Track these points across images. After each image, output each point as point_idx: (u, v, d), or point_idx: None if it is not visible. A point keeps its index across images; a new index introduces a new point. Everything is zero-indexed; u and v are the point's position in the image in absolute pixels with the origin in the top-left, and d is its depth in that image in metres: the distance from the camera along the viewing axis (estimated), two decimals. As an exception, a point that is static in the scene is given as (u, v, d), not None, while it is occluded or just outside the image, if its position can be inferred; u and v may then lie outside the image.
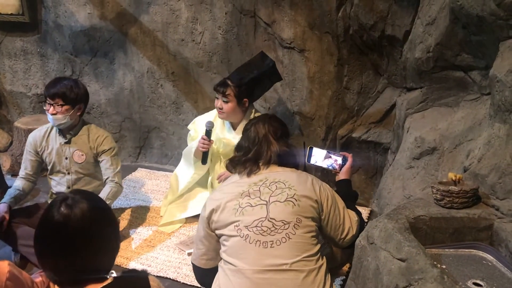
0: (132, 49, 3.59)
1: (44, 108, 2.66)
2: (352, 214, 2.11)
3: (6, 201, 2.57)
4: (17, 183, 2.72)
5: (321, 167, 2.44)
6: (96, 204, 1.38)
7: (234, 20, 3.25)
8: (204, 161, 2.87)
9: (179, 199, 3.04)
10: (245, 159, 2.11)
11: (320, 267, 1.88)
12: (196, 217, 2.94)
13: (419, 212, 1.74)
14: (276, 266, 1.83)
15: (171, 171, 3.29)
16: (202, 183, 3.11)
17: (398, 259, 1.52)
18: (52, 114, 2.61)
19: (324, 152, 2.44)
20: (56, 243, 1.31)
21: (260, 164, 2.09)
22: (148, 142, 3.88)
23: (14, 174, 3.54)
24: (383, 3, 2.81)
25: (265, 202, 1.94)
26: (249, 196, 1.96)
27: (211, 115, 3.00)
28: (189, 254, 2.65)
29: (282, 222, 1.89)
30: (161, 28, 3.46)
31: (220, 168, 2.99)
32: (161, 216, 3.05)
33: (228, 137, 2.94)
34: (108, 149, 2.76)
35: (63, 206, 1.30)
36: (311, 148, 2.45)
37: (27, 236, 2.44)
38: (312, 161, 2.44)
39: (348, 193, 2.30)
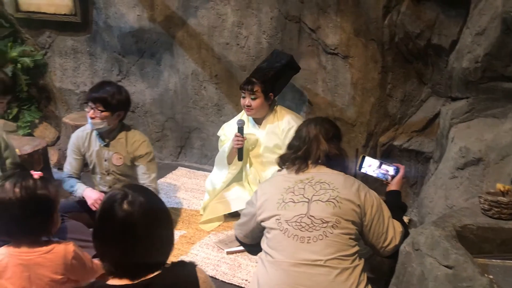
0: (178, 51, 3.69)
1: (85, 109, 2.72)
2: (397, 224, 2.12)
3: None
4: (71, 182, 2.79)
5: (372, 176, 2.45)
6: (153, 199, 1.45)
7: (279, 25, 3.30)
8: (240, 158, 3.02)
9: (218, 197, 3.11)
10: (294, 157, 2.18)
11: (355, 267, 1.91)
12: (235, 216, 3.02)
13: (466, 221, 1.74)
14: (311, 261, 1.88)
15: (210, 171, 3.35)
16: (237, 179, 3.19)
17: (445, 266, 1.53)
18: (91, 118, 2.66)
19: (376, 161, 2.45)
20: (117, 238, 1.36)
21: (309, 162, 2.14)
22: (189, 142, 3.97)
23: (61, 167, 3.68)
24: (431, 12, 2.81)
25: (307, 200, 2.01)
26: (293, 193, 2.03)
27: (239, 117, 3.14)
28: (228, 253, 2.71)
29: (321, 221, 1.94)
30: (207, 31, 3.54)
31: (249, 163, 3.12)
32: (201, 214, 3.12)
33: (253, 132, 3.09)
34: (144, 155, 2.80)
35: (125, 203, 1.35)
36: (363, 157, 2.47)
37: (75, 230, 2.53)
38: (363, 170, 2.46)
39: (397, 204, 2.30)
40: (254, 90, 2.94)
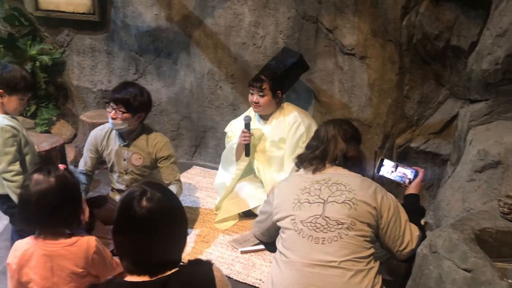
0: (195, 50, 3.70)
1: (107, 109, 2.72)
2: (414, 228, 2.10)
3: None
4: (81, 178, 2.83)
5: (390, 179, 2.43)
6: (171, 197, 1.47)
7: (296, 25, 3.30)
8: (247, 153, 3.06)
9: (231, 195, 3.12)
10: (312, 156, 2.18)
11: (370, 269, 1.90)
12: (250, 215, 3.02)
13: (485, 224, 1.72)
14: (325, 262, 1.88)
15: (225, 170, 3.37)
16: (247, 176, 3.22)
17: (463, 270, 1.51)
18: (112, 118, 2.67)
19: (395, 164, 2.43)
20: (135, 234, 1.39)
21: (326, 162, 2.14)
22: (204, 141, 3.98)
23: (77, 165, 3.72)
24: (450, 13, 2.78)
25: (322, 201, 2.00)
26: (309, 193, 2.03)
27: (247, 114, 3.18)
28: (242, 252, 2.71)
29: (336, 222, 1.94)
30: (223, 31, 3.55)
31: (257, 157, 3.16)
32: (216, 213, 3.13)
33: (258, 127, 3.13)
34: (167, 156, 2.82)
35: (144, 200, 1.38)
36: (382, 159, 2.45)
37: (96, 227, 2.57)
38: (382, 172, 2.44)
39: (415, 208, 2.28)
40: (263, 87, 2.98)
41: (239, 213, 3.08)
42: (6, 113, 2.42)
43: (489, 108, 2.59)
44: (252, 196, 3.07)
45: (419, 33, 2.91)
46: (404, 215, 2.07)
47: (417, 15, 2.88)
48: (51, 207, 1.70)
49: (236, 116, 3.72)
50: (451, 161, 2.92)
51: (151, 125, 3.07)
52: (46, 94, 4.24)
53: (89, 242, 1.78)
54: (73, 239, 1.76)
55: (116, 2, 3.85)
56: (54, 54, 4.17)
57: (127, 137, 2.80)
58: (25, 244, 1.75)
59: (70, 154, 3.95)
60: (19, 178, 2.35)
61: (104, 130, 2.87)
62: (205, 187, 3.57)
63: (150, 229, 1.37)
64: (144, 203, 1.37)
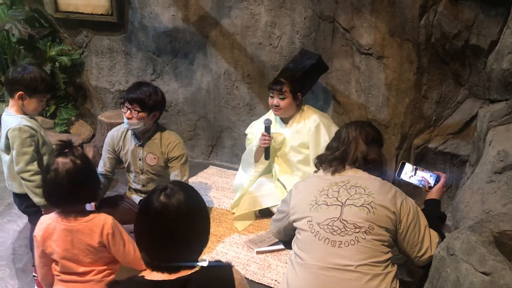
0: (211, 51, 3.72)
1: (122, 110, 2.74)
2: (434, 234, 2.06)
3: None
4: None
5: (411, 183, 2.40)
6: (193, 197, 1.49)
7: (313, 25, 3.28)
8: (267, 157, 3.05)
9: (249, 192, 3.12)
10: (332, 157, 2.16)
11: (387, 273, 1.87)
12: (267, 215, 3.02)
13: (504, 226, 1.69)
14: (342, 266, 1.85)
15: (241, 170, 3.37)
16: (267, 173, 3.22)
17: (481, 273, 1.48)
18: (128, 118, 2.69)
19: (414, 168, 2.40)
20: (153, 228, 1.43)
21: (346, 164, 2.12)
22: (220, 141, 4.00)
23: (96, 164, 3.77)
24: (469, 11, 2.74)
25: (340, 204, 1.97)
26: (327, 195, 2.00)
27: (267, 117, 3.16)
28: (258, 252, 2.71)
29: (354, 226, 1.91)
30: (240, 31, 3.56)
31: (277, 161, 3.14)
32: (232, 212, 3.14)
33: (280, 131, 3.11)
34: (178, 157, 2.82)
35: (162, 195, 1.42)
36: (403, 163, 2.42)
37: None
38: (402, 176, 2.41)
39: (435, 214, 2.24)
40: (283, 90, 2.96)
41: (255, 214, 3.08)
42: (25, 113, 2.46)
43: (509, 108, 2.54)
44: (270, 194, 3.06)
45: (437, 32, 2.87)
46: (423, 221, 2.03)
47: (435, 14, 2.84)
48: (80, 183, 1.89)
49: (252, 116, 3.73)
50: (470, 162, 2.88)
51: (167, 125, 3.09)
52: (65, 94, 4.31)
53: (106, 220, 1.94)
54: (91, 216, 1.94)
55: (133, 3, 3.89)
56: (73, 55, 4.24)
57: (142, 137, 2.82)
58: (48, 219, 1.95)
59: (88, 153, 4.00)
60: (37, 177, 2.39)
61: (120, 131, 2.89)
62: (221, 187, 3.58)
63: (166, 223, 1.41)
64: (161, 197, 1.42)
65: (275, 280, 2.49)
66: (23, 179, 2.42)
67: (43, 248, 1.94)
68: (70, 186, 1.86)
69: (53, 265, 1.99)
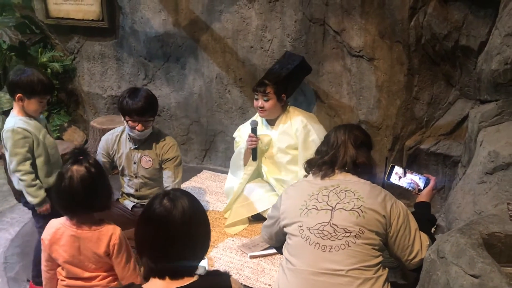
0: (203, 55, 3.71)
1: (127, 125, 2.70)
2: (424, 237, 2.05)
3: None
4: None
5: (401, 186, 2.40)
6: (195, 202, 1.50)
7: (303, 28, 3.29)
8: (254, 158, 3.07)
9: (240, 198, 3.12)
10: (321, 162, 2.15)
11: (378, 277, 1.87)
12: (259, 219, 3.01)
13: (493, 228, 1.69)
14: (332, 270, 1.85)
15: (235, 174, 3.37)
16: (256, 178, 3.22)
17: (471, 275, 1.48)
18: (140, 130, 2.67)
19: (405, 171, 2.40)
20: (154, 232, 1.44)
21: (336, 168, 2.11)
22: (214, 145, 3.99)
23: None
24: (458, 13, 2.74)
25: (330, 208, 1.97)
26: (317, 200, 2.00)
27: (253, 119, 3.17)
28: (251, 257, 2.70)
29: (344, 230, 1.90)
30: (231, 35, 3.55)
31: (265, 162, 3.16)
32: (225, 217, 3.13)
33: (266, 133, 3.12)
34: (172, 158, 2.81)
35: (166, 199, 1.44)
36: (392, 166, 2.42)
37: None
38: (392, 179, 2.41)
39: (425, 217, 2.23)
40: (267, 91, 2.98)
41: (248, 218, 3.08)
42: (27, 114, 2.50)
43: (499, 109, 2.55)
44: (261, 199, 3.07)
45: (427, 34, 2.88)
46: (414, 224, 2.03)
47: (425, 15, 2.85)
48: (93, 191, 1.88)
49: (245, 119, 3.72)
50: (462, 163, 2.88)
51: (161, 128, 3.08)
52: (57, 100, 4.30)
53: (114, 229, 1.94)
54: (100, 225, 1.94)
55: (124, 8, 3.88)
56: (65, 61, 4.23)
57: (138, 140, 2.82)
58: (58, 224, 1.95)
59: (81, 160, 3.99)
60: (28, 177, 2.44)
61: (114, 134, 2.89)
62: (215, 191, 3.57)
63: (166, 229, 1.42)
64: (165, 202, 1.44)
65: (269, 285, 2.48)
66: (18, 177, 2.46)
67: (49, 252, 1.95)
68: (83, 194, 1.86)
69: (59, 269, 2.00)
